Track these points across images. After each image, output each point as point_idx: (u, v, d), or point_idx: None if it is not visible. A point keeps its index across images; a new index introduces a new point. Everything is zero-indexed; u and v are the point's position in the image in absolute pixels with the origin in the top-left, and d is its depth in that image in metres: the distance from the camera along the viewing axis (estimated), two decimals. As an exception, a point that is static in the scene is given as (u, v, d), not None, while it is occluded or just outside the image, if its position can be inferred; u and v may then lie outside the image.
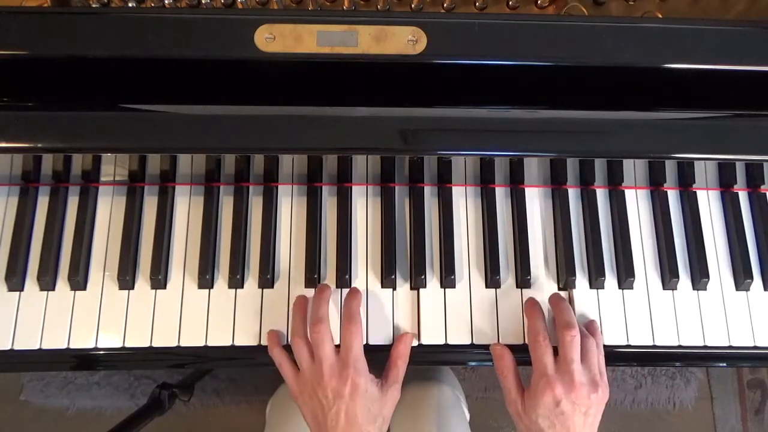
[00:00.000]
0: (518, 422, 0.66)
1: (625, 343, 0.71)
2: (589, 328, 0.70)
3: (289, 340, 0.69)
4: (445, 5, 0.70)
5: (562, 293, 0.73)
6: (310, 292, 0.71)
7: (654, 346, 0.71)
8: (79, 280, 0.70)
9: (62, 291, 0.70)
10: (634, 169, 0.77)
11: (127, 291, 0.71)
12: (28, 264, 0.71)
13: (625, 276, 0.72)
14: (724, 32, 0.63)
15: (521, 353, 0.68)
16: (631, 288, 0.73)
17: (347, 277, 0.71)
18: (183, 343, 0.69)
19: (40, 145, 0.62)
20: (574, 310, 0.72)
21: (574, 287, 0.73)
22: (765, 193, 0.77)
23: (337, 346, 0.66)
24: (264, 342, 0.69)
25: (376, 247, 0.73)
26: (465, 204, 0.75)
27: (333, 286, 0.71)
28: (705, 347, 0.72)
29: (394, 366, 0.67)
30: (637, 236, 0.75)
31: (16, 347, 0.68)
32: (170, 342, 0.69)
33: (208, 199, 0.74)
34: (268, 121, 0.64)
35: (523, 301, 0.72)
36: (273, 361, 0.68)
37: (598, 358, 0.66)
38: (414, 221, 0.74)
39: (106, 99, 0.64)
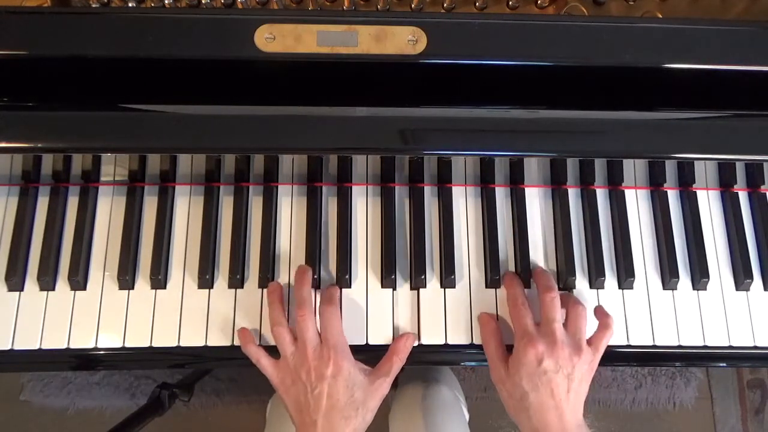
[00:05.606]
0: (501, 389, 0.65)
1: (625, 343, 0.71)
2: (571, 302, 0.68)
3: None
4: (445, 5, 0.70)
5: (562, 294, 0.73)
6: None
7: (654, 346, 0.71)
8: (79, 280, 0.70)
9: (62, 291, 0.70)
10: (634, 169, 0.77)
11: (127, 291, 0.71)
12: (28, 264, 0.71)
13: (625, 276, 0.72)
14: (724, 32, 0.63)
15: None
16: (631, 288, 0.73)
17: (347, 277, 0.71)
18: (183, 343, 0.69)
19: (40, 145, 0.62)
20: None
21: (574, 287, 0.73)
22: (765, 193, 0.77)
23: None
24: (264, 342, 0.69)
25: (376, 247, 0.73)
26: (465, 204, 0.75)
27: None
28: (705, 347, 0.72)
29: (388, 360, 0.67)
30: (637, 236, 0.75)
31: (16, 347, 0.68)
32: (170, 342, 0.69)
33: (208, 199, 0.74)
34: (268, 121, 0.64)
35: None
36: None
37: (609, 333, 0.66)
38: (414, 221, 0.74)
39: (106, 99, 0.64)
